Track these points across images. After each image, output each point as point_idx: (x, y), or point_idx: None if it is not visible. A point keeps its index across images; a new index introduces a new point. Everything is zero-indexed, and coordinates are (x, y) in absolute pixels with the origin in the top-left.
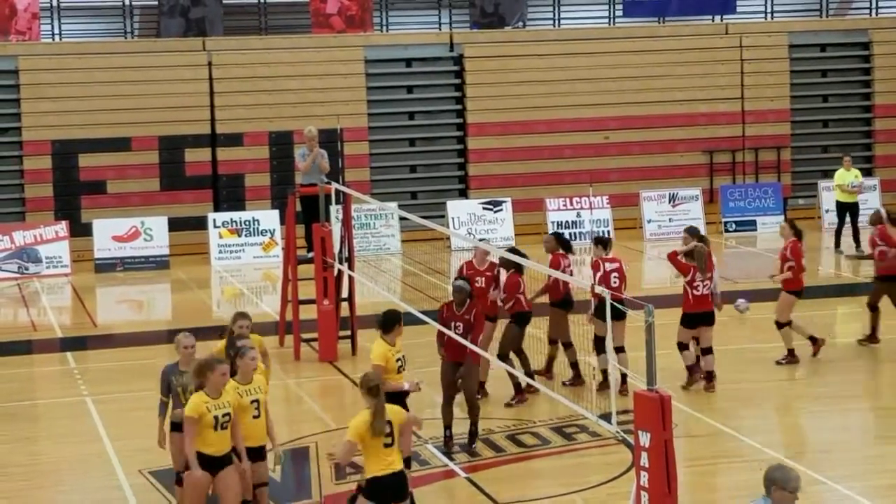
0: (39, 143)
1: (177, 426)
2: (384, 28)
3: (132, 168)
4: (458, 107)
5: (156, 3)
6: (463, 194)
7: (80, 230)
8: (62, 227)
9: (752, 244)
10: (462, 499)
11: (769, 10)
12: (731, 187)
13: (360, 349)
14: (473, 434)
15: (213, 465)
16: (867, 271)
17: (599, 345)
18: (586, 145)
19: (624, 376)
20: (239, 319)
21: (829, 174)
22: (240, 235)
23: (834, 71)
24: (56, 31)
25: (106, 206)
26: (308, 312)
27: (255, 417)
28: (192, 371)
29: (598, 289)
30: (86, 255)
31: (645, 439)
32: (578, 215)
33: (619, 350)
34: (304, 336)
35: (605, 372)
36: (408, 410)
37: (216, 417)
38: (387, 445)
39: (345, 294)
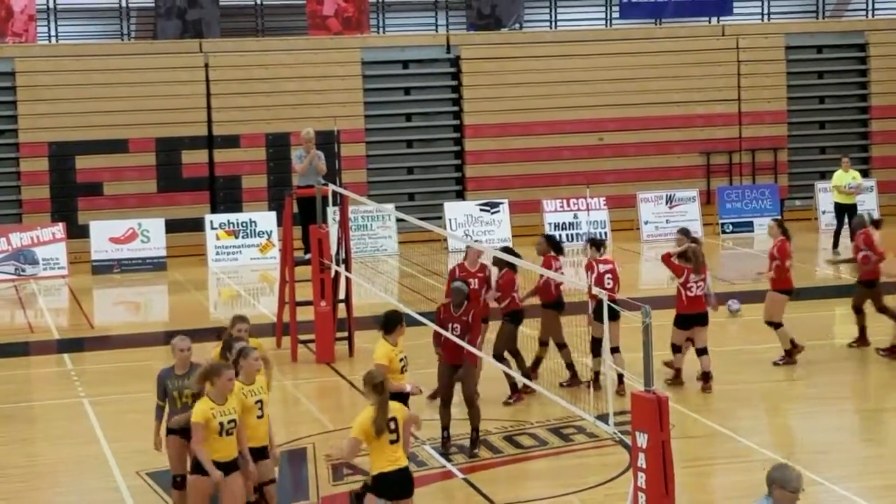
0: (36, 144)
1: (173, 430)
2: (381, 30)
3: (129, 170)
4: (455, 108)
5: (152, 4)
6: (460, 196)
7: (77, 232)
8: (59, 229)
9: (748, 245)
10: (459, 500)
11: (766, 11)
12: (727, 188)
13: (357, 351)
14: (475, 441)
15: (218, 470)
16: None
17: (596, 346)
18: (583, 147)
19: (620, 376)
20: (238, 323)
21: (825, 175)
22: (237, 237)
23: (830, 72)
24: (53, 32)
25: (103, 208)
26: (305, 314)
27: (258, 418)
28: (197, 376)
29: (596, 290)
30: (83, 257)
31: (642, 440)
32: (575, 217)
33: (615, 350)
34: (302, 337)
35: (597, 374)
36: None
37: (221, 424)
38: (392, 442)
39: (342, 295)
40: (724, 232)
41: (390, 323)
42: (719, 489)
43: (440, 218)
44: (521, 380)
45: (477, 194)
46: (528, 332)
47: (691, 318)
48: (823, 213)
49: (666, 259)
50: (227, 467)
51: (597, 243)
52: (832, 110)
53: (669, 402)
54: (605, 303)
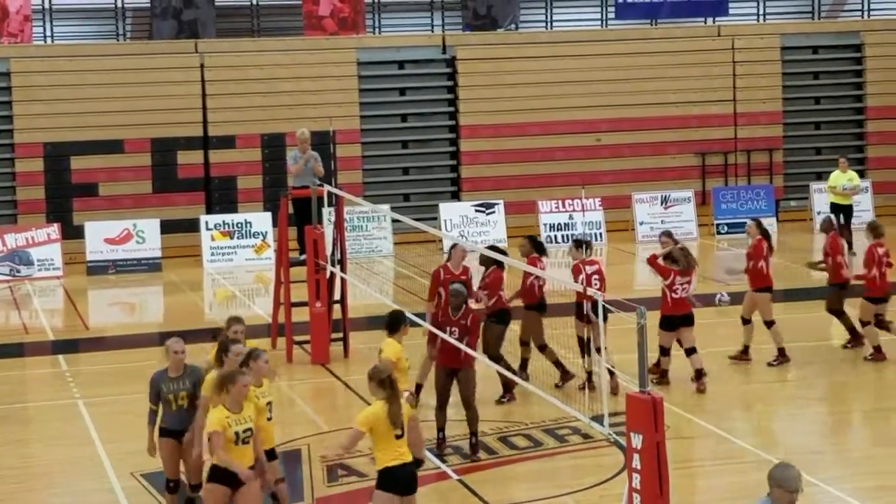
0: (31, 145)
1: (166, 432)
2: (377, 30)
3: (124, 170)
4: (451, 109)
5: (148, 5)
6: (455, 196)
7: (72, 232)
8: (54, 230)
9: (743, 246)
10: (454, 501)
11: (761, 12)
12: (723, 189)
13: (352, 352)
14: (475, 445)
15: (234, 479)
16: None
17: (583, 346)
18: (579, 147)
19: (611, 373)
20: (233, 324)
21: (821, 176)
22: (232, 238)
23: (826, 73)
24: (48, 33)
25: (98, 209)
26: (300, 315)
27: (268, 420)
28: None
29: (591, 291)
30: (78, 258)
31: (637, 441)
32: (571, 217)
33: (599, 349)
34: (297, 338)
35: (590, 374)
36: None
37: (237, 433)
38: (398, 437)
39: (337, 296)
40: (719, 233)
41: (395, 323)
42: (714, 490)
43: (435, 219)
44: (516, 379)
45: (472, 195)
46: (516, 329)
47: (677, 320)
48: (819, 213)
49: (652, 261)
50: (235, 477)
51: (581, 244)
52: (828, 111)
53: (664, 403)
54: (601, 304)
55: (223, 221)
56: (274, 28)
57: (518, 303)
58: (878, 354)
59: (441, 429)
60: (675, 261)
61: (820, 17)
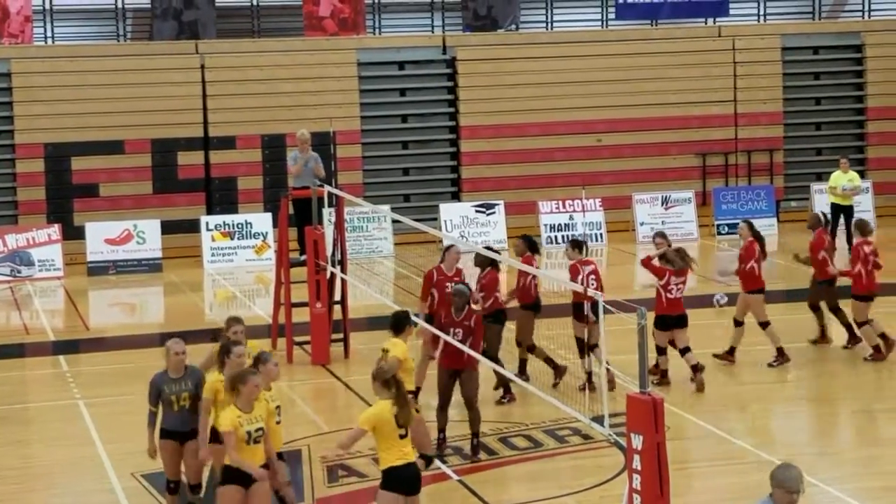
0: (32, 145)
1: (167, 434)
2: (377, 31)
3: (125, 171)
4: (451, 109)
5: (149, 6)
6: (456, 197)
7: (73, 233)
8: (55, 230)
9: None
10: (455, 501)
11: (762, 12)
12: (723, 190)
13: (352, 352)
14: (476, 447)
15: (247, 478)
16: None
17: (581, 346)
18: (579, 148)
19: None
20: (233, 325)
21: (822, 177)
22: (232, 238)
23: (827, 73)
24: (49, 33)
25: (98, 209)
26: (301, 315)
27: (277, 422)
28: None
29: (592, 292)
30: (78, 258)
31: (637, 442)
32: (571, 218)
33: (594, 346)
34: (297, 339)
35: (590, 374)
36: None
37: (249, 433)
38: (402, 437)
39: (337, 297)
40: (719, 233)
41: (401, 323)
42: (714, 491)
43: (436, 219)
44: (515, 379)
45: (472, 195)
46: (512, 327)
47: (671, 320)
48: (821, 213)
49: (646, 262)
50: (248, 477)
51: (579, 245)
52: (828, 111)
53: (664, 404)
54: (601, 304)
55: (223, 222)
56: (274, 29)
57: (514, 303)
58: (877, 354)
59: (442, 429)
60: (669, 261)
61: (820, 18)
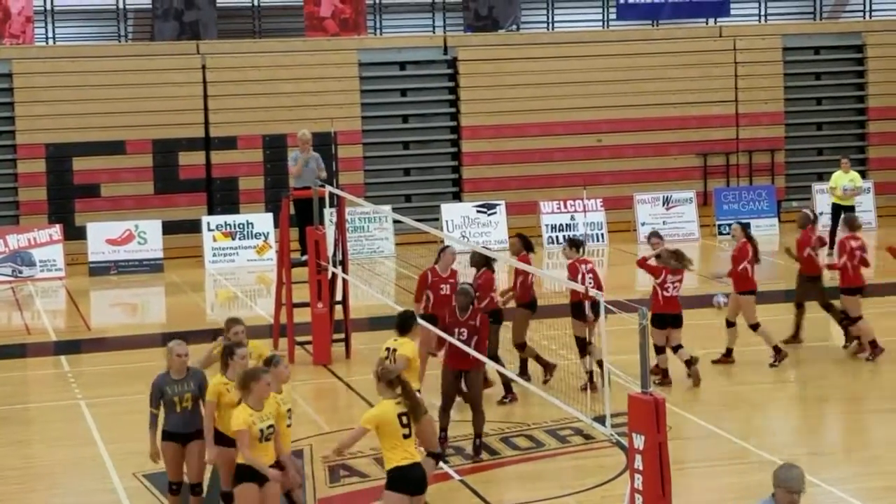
0: (33, 146)
1: (169, 436)
2: (378, 31)
3: (126, 171)
4: (452, 110)
5: (149, 6)
6: (457, 197)
7: (74, 233)
8: (56, 231)
9: None
10: (456, 501)
11: (763, 12)
12: (724, 190)
13: (354, 352)
14: (478, 448)
15: (260, 476)
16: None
17: (581, 346)
18: (580, 148)
19: (600, 363)
20: (233, 326)
21: (823, 177)
22: (234, 239)
23: (828, 73)
24: (50, 34)
25: (100, 210)
26: (302, 316)
27: (288, 426)
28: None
29: (593, 292)
30: (80, 259)
31: (639, 442)
32: (572, 218)
33: (590, 343)
34: (298, 339)
35: (591, 374)
36: None
37: (261, 430)
38: (405, 436)
39: (339, 297)
40: (720, 233)
41: (408, 323)
42: (716, 491)
43: (437, 219)
44: (515, 378)
45: (474, 196)
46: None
47: (667, 319)
48: (821, 214)
49: (642, 263)
50: (262, 474)
51: (577, 244)
52: (829, 112)
53: (666, 404)
54: (602, 304)
55: (225, 222)
56: (275, 29)
57: (512, 303)
58: (874, 350)
59: (444, 429)
60: (665, 262)
61: (821, 18)
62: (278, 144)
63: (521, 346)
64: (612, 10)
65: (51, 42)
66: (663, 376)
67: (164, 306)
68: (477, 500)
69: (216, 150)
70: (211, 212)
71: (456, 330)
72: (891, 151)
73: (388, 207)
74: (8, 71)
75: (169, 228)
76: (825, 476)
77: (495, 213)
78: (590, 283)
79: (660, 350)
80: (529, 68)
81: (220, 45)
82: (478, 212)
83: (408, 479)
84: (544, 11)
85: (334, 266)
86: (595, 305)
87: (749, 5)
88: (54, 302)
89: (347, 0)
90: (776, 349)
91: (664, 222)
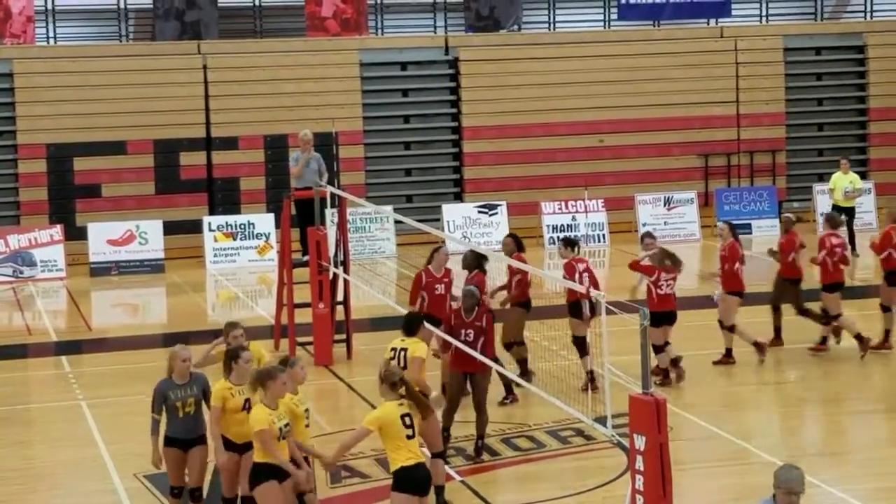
0: (34, 146)
1: (171, 441)
2: (379, 31)
3: (127, 171)
4: (454, 110)
5: (151, 6)
6: (458, 198)
7: (75, 234)
8: (57, 231)
9: (746, 247)
10: (458, 502)
11: (764, 13)
12: (726, 190)
13: (355, 353)
14: (479, 449)
15: (282, 474)
16: (864, 274)
17: (581, 345)
18: (581, 148)
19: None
20: (232, 330)
21: (824, 178)
22: (235, 239)
23: (829, 74)
24: (51, 34)
25: (101, 210)
26: (303, 316)
27: (306, 426)
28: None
29: (595, 293)
30: (81, 259)
31: (640, 443)
32: (574, 219)
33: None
34: (300, 340)
35: (591, 374)
36: None
37: (280, 429)
38: (409, 437)
39: (340, 298)
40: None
41: (415, 324)
42: (716, 491)
43: (438, 220)
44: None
45: (475, 196)
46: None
47: (661, 316)
48: (822, 214)
49: (634, 265)
50: (282, 472)
51: (572, 243)
52: (830, 112)
53: (667, 405)
54: (603, 304)
55: (226, 223)
56: (276, 29)
57: (507, 304)
58: (862, 344)
59: (446, 428)
60: (660, 262)
61: (823, 19)
62: (279, 145)
63: (509, 345)
64: (614, 10)
65: (52, 42)
66: (664, 376)
67: (165, 307)
68: (478, 500)
69: (217, 150)
70: (212, 212)
71: (462, 331)
72: (892, 152)
73: (389, 208)
74: (9, 71)
75: (170, 229)
76: (825, 477)
77: (496, 213)
78: (585, 282)
79: (658, 349)
80: (531, 69)
81: (221, 45)
82: (479, 212)
83: (413, 479)
84: (545, 12)
85: (335, 266)
86: (592, 303)
87: (750, 6)
88: (55, 302)
89: (349, 0)
90: (756, 345)
91: (665, 223)
